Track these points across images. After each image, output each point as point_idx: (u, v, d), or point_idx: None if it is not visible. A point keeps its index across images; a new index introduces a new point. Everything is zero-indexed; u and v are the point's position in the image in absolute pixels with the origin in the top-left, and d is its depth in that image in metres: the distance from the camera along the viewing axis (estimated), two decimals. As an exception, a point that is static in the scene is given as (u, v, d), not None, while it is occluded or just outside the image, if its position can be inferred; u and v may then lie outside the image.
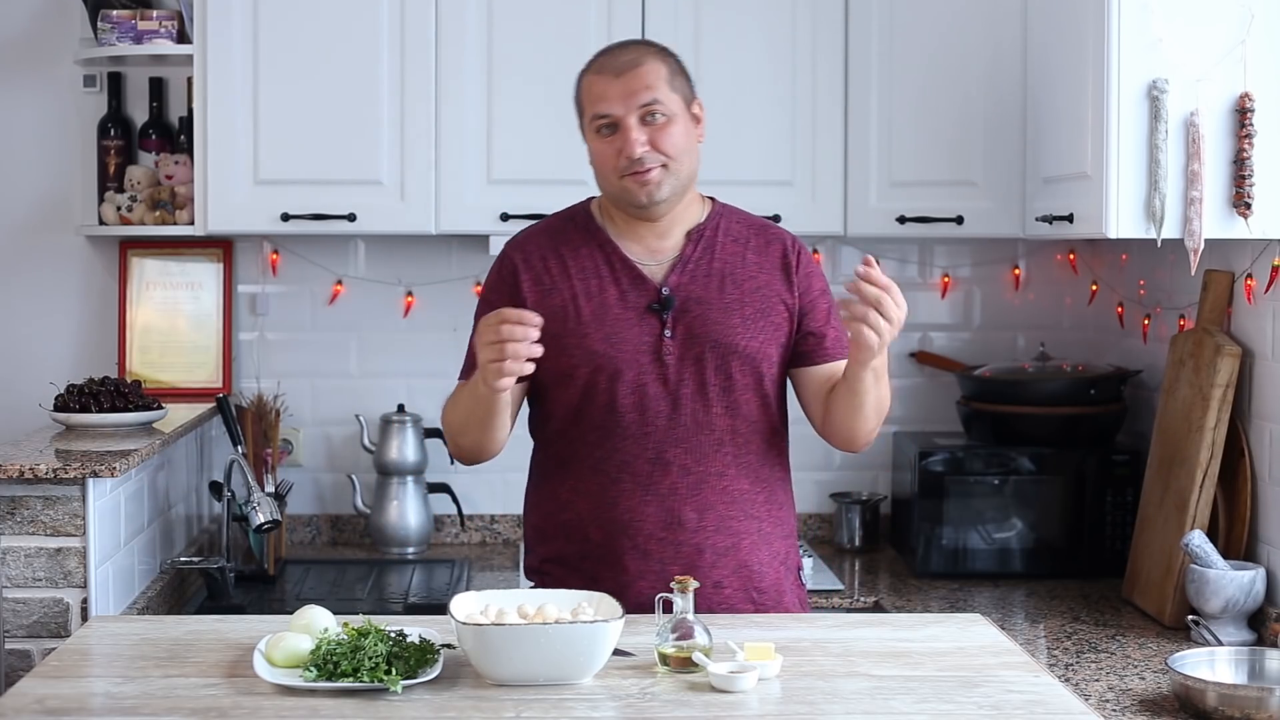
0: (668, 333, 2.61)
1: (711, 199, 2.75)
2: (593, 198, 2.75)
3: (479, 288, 3.98)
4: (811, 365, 2.69)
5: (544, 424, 2.71)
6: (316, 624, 2.28)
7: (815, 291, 2.70)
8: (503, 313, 2.40)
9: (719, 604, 2.60)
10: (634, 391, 2.60)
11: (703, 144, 2.68)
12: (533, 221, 2.88)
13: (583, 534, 2.64)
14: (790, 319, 2.67)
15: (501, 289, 2.68)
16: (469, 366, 2.66)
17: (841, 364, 2.65)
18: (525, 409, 2.74)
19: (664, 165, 2.58)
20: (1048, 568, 3.67)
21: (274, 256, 4.03)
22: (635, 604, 2.45)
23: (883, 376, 2.57)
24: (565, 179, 3.61)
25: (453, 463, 3.96)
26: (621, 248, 2.66)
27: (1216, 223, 2.95)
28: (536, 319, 2.38)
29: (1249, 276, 3.16)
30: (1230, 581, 3.03)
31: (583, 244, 2.67)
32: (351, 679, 2.14)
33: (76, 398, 3.40)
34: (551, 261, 2.67)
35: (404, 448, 3.93)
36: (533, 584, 2.72)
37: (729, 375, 2.62)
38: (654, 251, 2.67)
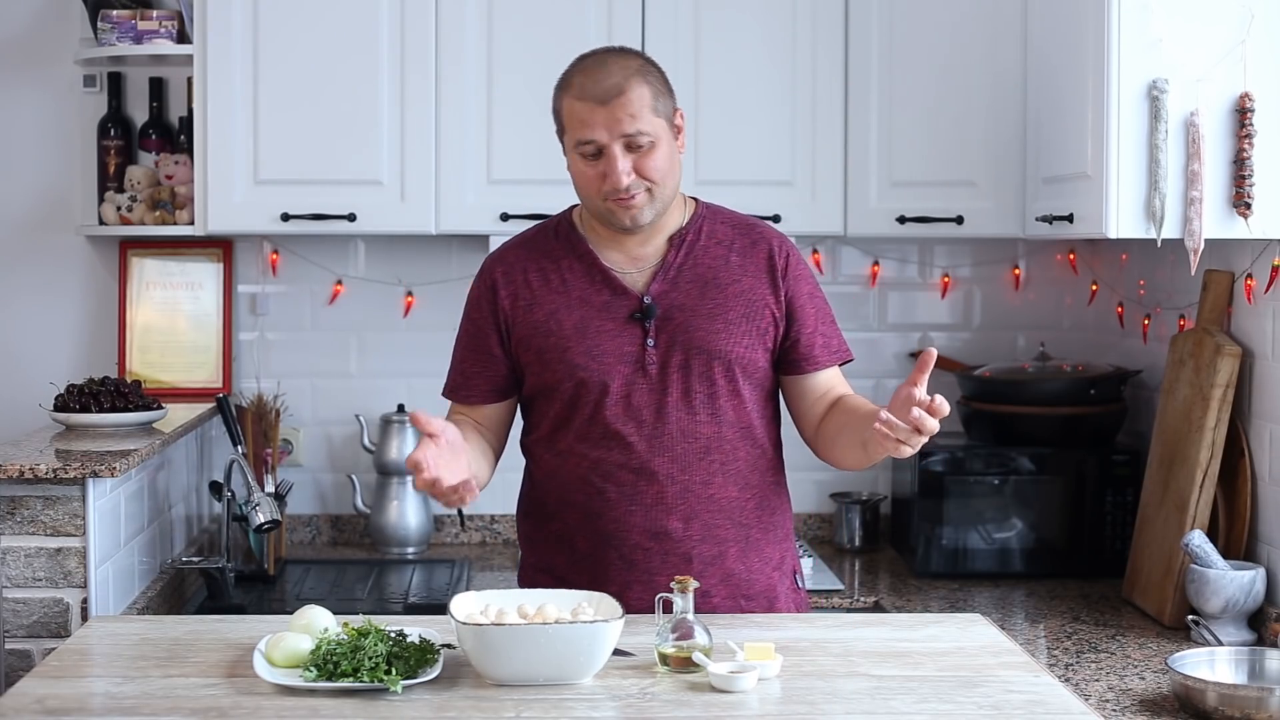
0: (650, 341, 2.59)
1: (695, 199, 2.71)
2: (575, 205, 2.72)
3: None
4: (799, 374, 2.66)
5: (532, 436, 2.70)
6: (316, 624, 2.28)
7: (803, 295, 2.65)
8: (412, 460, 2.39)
9: (707, 612, 2.59)
10: (618, 403, 2.58)
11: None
12: (528, 225, 2.86)
13: (570, 544, 2.64)
14: (776, 323, 2.63)
15: (482, 306, 2.67)
16: (453, 385, 2.70)
17: (829, 373, 2.65)
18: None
19: (648, 190, 2.54)
20: (1048, 568, 3.66)
21: (274, 256, 4.03)
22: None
23: None
24: (565, 179, 3.57)
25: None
26: (602, 257, 2.63)
27: (1216, 223, 2.95)
28: (433, 428, 2.37)
29: (1249, 276, 3.16)
30: (1230, 581, 3.03)
31: (563, 255, 2.65)
32: (351, 679, 2.14)
33: (76, 398, 3.40)
34: (532, 275, 2.64)
35: (404, 448, 3.92)
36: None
37: (713, 382, 2.60)
38: (636, 259, 2.63)
